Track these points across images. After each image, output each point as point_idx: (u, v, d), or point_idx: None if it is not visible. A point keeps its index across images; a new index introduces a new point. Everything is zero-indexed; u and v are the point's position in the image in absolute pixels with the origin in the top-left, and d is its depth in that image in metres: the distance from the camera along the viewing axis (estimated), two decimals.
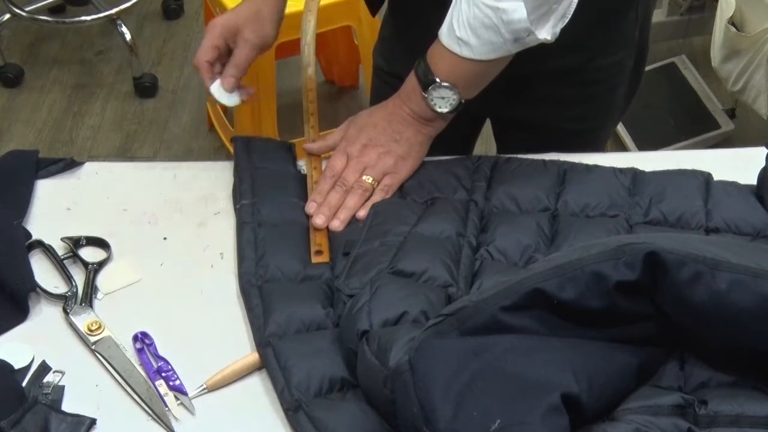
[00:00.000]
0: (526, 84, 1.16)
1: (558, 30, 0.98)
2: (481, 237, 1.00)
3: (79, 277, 0.99)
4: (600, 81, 1.19)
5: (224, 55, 1.11)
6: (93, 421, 0.85)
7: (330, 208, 1.04)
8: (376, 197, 1.06)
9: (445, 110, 1.04)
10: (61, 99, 2.67)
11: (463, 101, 1.04)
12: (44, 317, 0.96)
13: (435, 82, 1.02)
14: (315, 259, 0.99)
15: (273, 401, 0.87)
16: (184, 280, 0.99)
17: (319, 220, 1.03)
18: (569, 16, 0.97)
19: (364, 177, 1.06)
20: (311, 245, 1.01)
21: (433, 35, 1.03)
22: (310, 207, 1.04)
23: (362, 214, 1.04)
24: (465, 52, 0.99)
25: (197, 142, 2.54)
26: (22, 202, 1.07)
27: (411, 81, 1.05)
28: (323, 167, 1.10)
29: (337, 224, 1.03)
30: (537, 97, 1.20)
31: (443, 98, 1.03)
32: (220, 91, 1.10)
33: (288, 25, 2.13)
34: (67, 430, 0.83)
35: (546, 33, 0.96)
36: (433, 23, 1.03)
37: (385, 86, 1.28)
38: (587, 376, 0.74)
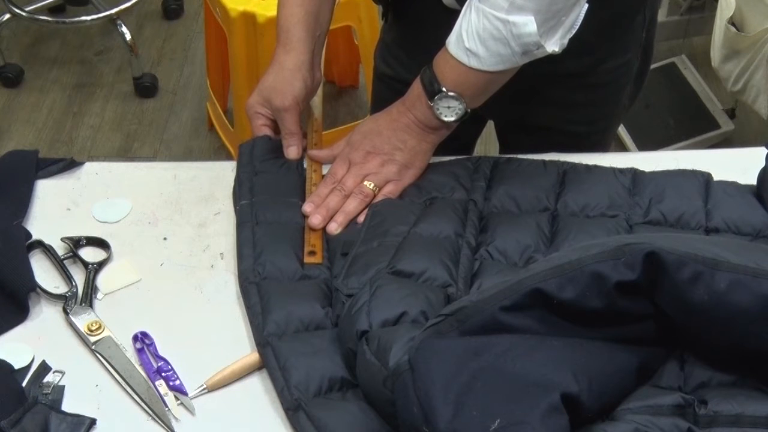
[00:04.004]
0: (535, 88, 1.16)
1: (566, 41, 0.97)
2: (481, 237, 1.00)
3: (79, 277, 0.99)
4: (608, 83, 1.19)
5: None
6: (93, 421, 0.85)
7: (328, 210, 1.04)
8: None
9: (450, 119, 1.04)
10: (61, 99, 2.68)
11: (468, 111, 1.03)
12: (44, 317, 0.96)
13: (441, 91, 1.01)
14: (308, 260, 0.99)
15: (273, 401, 0.87)
16: (184, 280, 0.99)
17: (315, 220, 1.03)
18: (576, 28, 0.97)
19: (365, 183, 1.05)
20: (305, 245, 1.01)
21: (438, 42, 1.02)
22: (308, 207, 1.04)
23: (361, 219, 1.04)
24: (473, 63, 0.98)
25: (197, 142, 2.54)
26: (22, 202, 1.07)
27: (416, 89, 1.05)
28: (323, 170, 1.10)
29: (334, 227, 1.03)
30: (545, 100, 1.19)
31: (449, 107, 1.03)
32: (105, 213, 1.08)
33: None
34: (67, 430, 0.83)
35: (554, 45, 0.96)
36: (438, 30, 1.02)
37: (387, 90, 1.27)
38: (587, 376, 0.74)
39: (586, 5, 0.96)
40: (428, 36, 1.06)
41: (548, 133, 1.23)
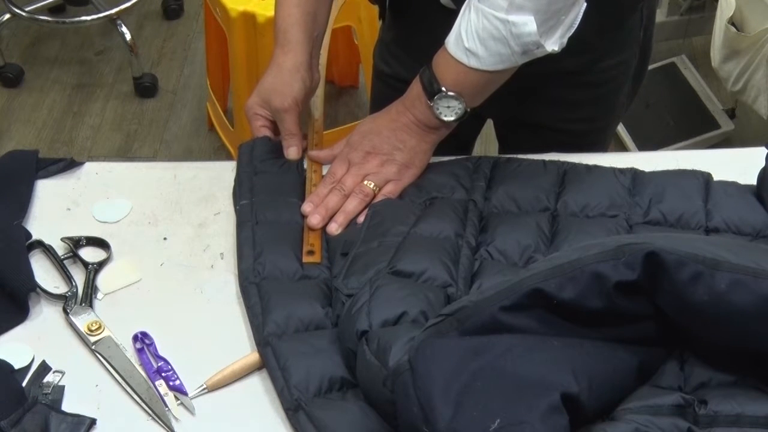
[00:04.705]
0: (533, 86, 1.16)
1: (565, 40, 0.98)
2: (481, 237, 1.00)
3: (79, 277, 0.99)
4: (606, 82, 1.19)
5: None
6: (93, 421, 0.85)
7: (327, 210, 1.04)
8: None
9: (450, 119, 1.04)
10: (61, 99, 2.68)
11: (468, 110, 1.04)
12: (44, 317, 0.96)
13: (441, 91, 1.01)
14: (306, 259, 0.99)
15: (273, 401, 0.87)
16: (184, 280, 0.99)
17: (314, 220, 1.03)
18: (576, 26, 0.97)
19: (365, 182, 1.05)
20: (304, 245, 1.01)
21: (436, 42, 1.02)
22: (307, 207, 1.04)
23: (361, 219, 1.04)
24: (473, 63, 0.98)
25: (197, 142, 2.54)
26: (22, 202, 1.07)
27: (415, 88, 1.05)
28: (323, 171, 1.10)
29: (334, 227, 1.03)
30: (544, 99, 1.19)
31: (449, 107, 1.03)
32: (105, 213, 1.08)
33: None
34: (67, 430, 0.83)
35: (553, 44, 0.97)
36: (436, 30, 1.03)
37: (387, 89, 1.27)
38: (587, 376, 0.74)
39: (585, 4, 0.97)
40: (427, 35, 1.06)
41: (547, 131, 1.23)
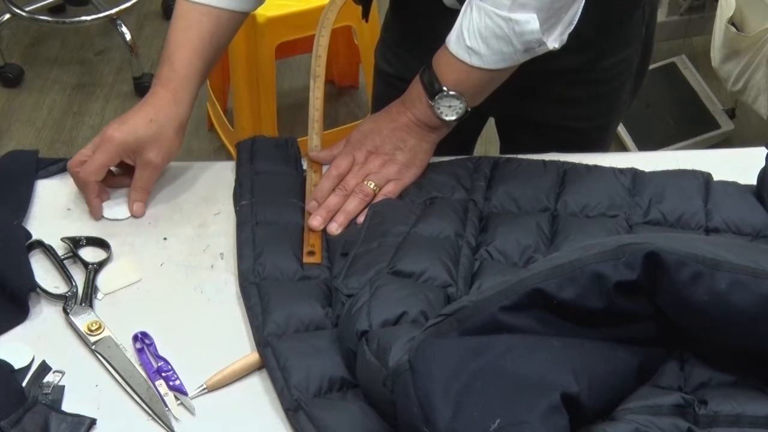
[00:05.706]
0: (536, 84, 1.16)
1: (565, 37, 0.98)
2: (481, 237, 1.00)
3: (79, 277, 0.99)
4: (608, 79, 1.19)
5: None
6: (93, 421, 0.85)
7: (328, 211, 1.04)
8: None
9: (451, 118, 1.04)
10: (61, 99, 2.68)
11: (469, 109, 1.04)
12: (44, 317, 0.96)
13: (442, 90, 1.02)
14: (306, 260, 0.99)
15: (273, 401, 0.87)
16: (184, 280, 0.99)
17: (315, 222, 1.03)
18: (575, 23, 0.98)
19: (366, 182, 1.05)
20: (304, 245, 1.01)
21: (438, 41, 1.02)
22: (312, 206, 1.04)
23: (361, 219, 1.04)
24: (474, 62, 0.98)
25: (197, 142, 2.54)
26: (22, 202, 1.07)
27: (416, 88, 1.05)
28: (323, 170, 1.10)
29: (334, 227, 1.03)
30: (546, 97, 1.20)
31: (450, 107, 1.03)
32: (113, 211, 1.07)
33: (288, 25, 2.13)
34: (67, 430, 0.83)
35: (554, 41, 0.97)
36: (438, 29, 1.03)
37: (388, 88, 1.28)
38: (587, 376, 0.74)
39: (583, 1, 0.97)
40: (429, 34, 1.06)
41: (549, 129, 1.24)
